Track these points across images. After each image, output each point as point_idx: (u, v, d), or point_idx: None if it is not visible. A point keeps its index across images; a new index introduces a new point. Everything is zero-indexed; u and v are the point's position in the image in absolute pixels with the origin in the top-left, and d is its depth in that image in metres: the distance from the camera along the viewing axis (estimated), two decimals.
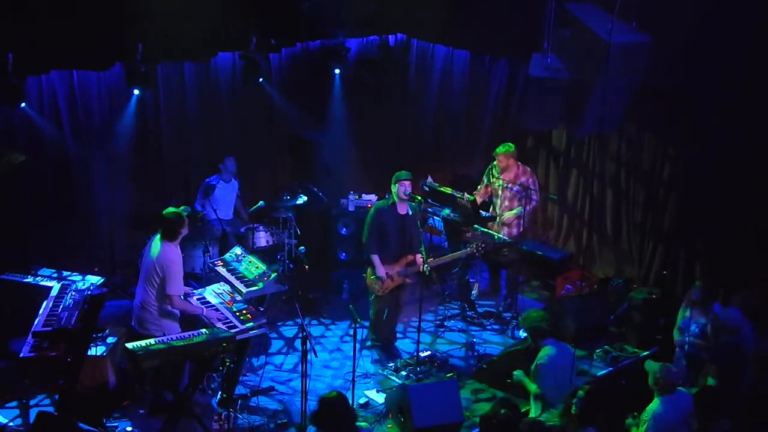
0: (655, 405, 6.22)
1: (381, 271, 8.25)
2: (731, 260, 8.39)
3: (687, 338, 7.50)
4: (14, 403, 7.23)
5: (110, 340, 7.52)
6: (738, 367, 7.03)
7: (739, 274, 8.16)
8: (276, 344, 8.85)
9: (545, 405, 6.83)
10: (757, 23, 7.37)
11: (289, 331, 9.12)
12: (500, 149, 9.33)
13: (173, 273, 7.00)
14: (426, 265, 8.15)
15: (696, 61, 7.81)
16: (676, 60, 7.87)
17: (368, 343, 8.68)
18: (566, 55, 7.86)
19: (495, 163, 9.40)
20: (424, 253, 8.20)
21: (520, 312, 9.40)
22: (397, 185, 8.21)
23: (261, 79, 9.55)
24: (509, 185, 9.29)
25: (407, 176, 8.25)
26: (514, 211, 9.35)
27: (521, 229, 9.41)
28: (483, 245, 8.65)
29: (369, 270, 8.36)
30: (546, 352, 6.94)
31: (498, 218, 9.46)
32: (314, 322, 9.39)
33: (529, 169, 9.43)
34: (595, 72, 7.41)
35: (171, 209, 7.27)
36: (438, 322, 9.39)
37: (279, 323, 9.18)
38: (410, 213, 8.31)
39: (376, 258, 8.25)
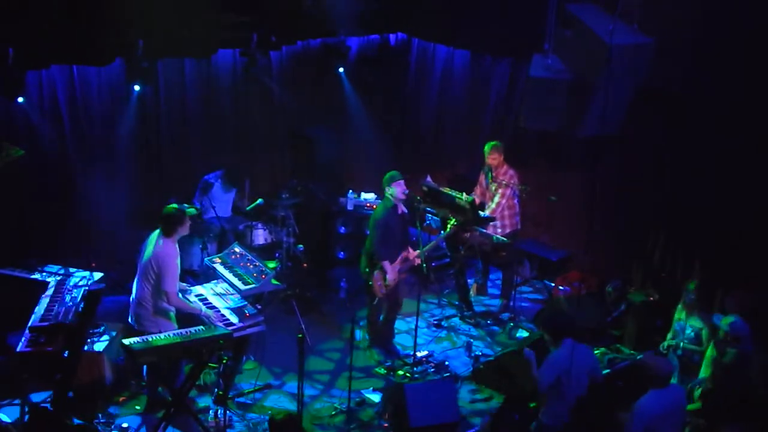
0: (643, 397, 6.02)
1: (392, 276, 8.21)
2: (730, 262, 8.37)
3: (681, 342, 7.47)
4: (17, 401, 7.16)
5: (106, 337, 7.53)
6: (747, 372, 6.96)
7: (739, 276, 8.14)
8: (275, 341, 8.84)
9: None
10: (757, 23, 7.36)
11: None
12: (488, 147, 9.30)
13: (169, 269, 6.97)
14: (423, 255, 8.16)
15: (696, 61, 7.80)
16: (677, 60, 7.86)
17: (365, 344, 8.67)
18: (568, 55, 7.86)
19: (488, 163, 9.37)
20: (422, 252, 8.22)
21: (517, 313, 9.43)
22: (394, 187, 8.18)
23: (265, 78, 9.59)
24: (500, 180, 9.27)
25: (401, 176, 8.23)
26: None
27: (514, 229, 9.39)
28: (464, 220, 8.56)
29: (376, 274, 8.22)
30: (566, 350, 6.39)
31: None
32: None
33: (512, 170, 9.38)
34: (597, 73, 7.41)
35: (174, 206, 7.26)
36: (435, 322, 9.38)
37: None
38: (406, 211, 8.32)
39: (388, 264, 8.19)
